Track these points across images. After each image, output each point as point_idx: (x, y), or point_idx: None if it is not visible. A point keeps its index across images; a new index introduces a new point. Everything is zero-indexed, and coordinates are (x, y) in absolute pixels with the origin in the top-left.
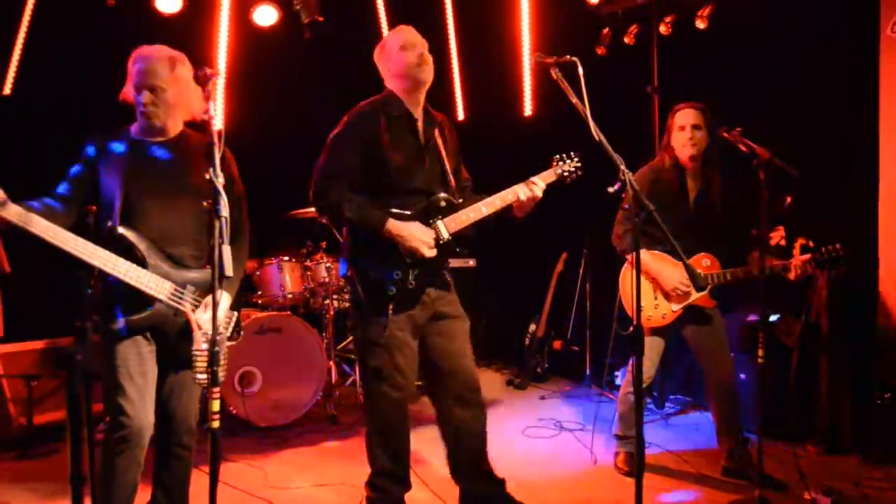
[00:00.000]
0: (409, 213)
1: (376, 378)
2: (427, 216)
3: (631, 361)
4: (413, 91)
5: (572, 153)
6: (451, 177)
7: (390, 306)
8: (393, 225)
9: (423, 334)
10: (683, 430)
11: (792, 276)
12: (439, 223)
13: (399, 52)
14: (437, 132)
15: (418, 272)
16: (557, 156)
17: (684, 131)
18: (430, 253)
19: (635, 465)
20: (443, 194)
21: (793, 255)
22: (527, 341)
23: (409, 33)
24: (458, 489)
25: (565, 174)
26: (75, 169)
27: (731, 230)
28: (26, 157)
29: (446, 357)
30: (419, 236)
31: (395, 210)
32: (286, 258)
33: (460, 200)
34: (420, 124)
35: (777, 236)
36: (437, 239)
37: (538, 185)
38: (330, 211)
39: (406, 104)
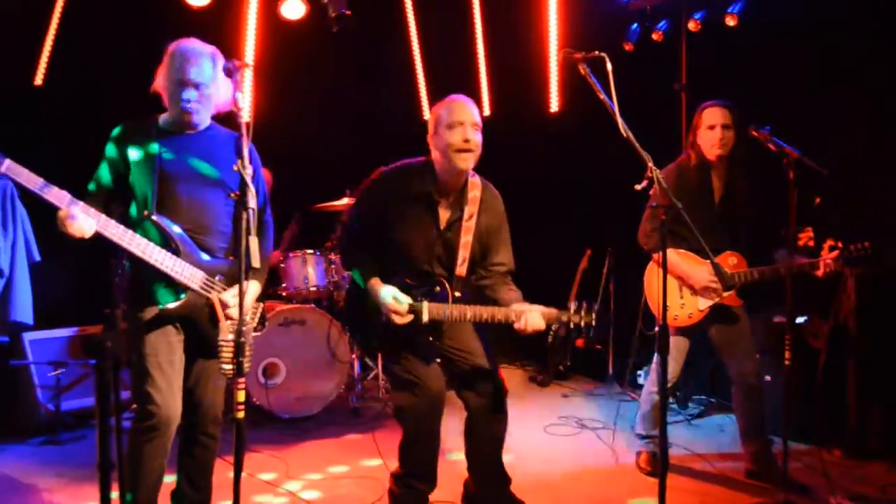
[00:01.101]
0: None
1: (401, 384)
2: (418, 292)
3: (655, 361)
4: (449, 174)
5: (594, 307)
6: (462, 268)
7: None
8: (373, 287)
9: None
10: (707, 431)
11: (820, 273)
12: (423, 305)
13: (445, 129)
14: (468, 215)
15: (392, 332)
16: (575, 304)
17: (714, 130)
18: (401, 321)
19: (657, 465)
20: (442, 282)
21: (821, 256)
22: (550, 339)
23: (461, 110)
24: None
25: (570, 324)
26: (106, 159)
27: (757, 228)
28: (57, 147)
29: (452, 353)
30: (391, 305)
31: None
32: (310, 251)
33: (457, 294)
34: (444, 207)
35: (805, 237)
36: (417, 316)
37: (534, 324)
38: (342, 260)
39: (438, 182)
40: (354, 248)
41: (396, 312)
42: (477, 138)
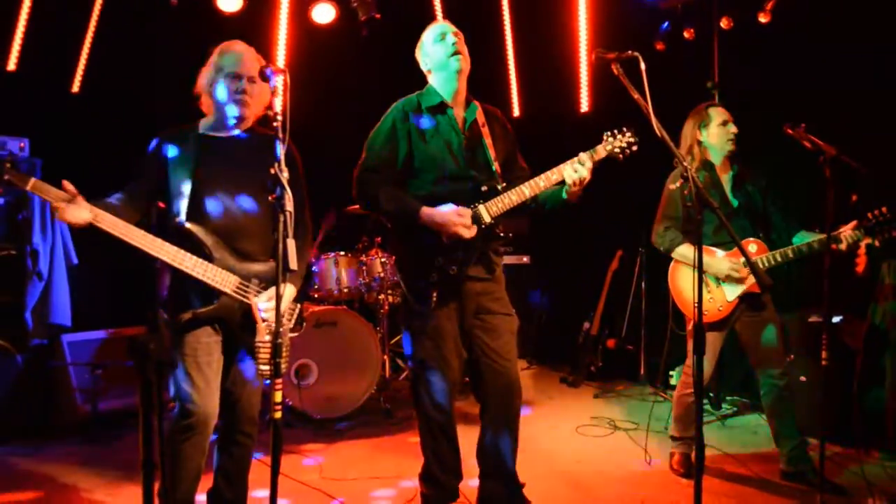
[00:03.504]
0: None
1: (421, 369)
2: (468, 201)
3: (687, 361)
4: (450, 80)
5: (624, 128)
6: (496, 164)
7: (434, 295)
8: (427, 210)
9: (468, 327)
10: (741, 432)
11: (843, 246)
12: (480, 207)
13: (433, 45)
14: (481, 122)
15: (460, 257)
16: (608, 132)
17: (728, 126)
18: (467, 233)
19: (690, 466)
20: (484, 180)
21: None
22: (581, 339)
23: (442, 26)
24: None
25: (616, 150)
26: (144, 164)
27: (770, 216)
28: (94, 153)
29: (486, 353)
30: (454, 218)
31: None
32: (342, 253)
33: (503, 185)
34: (458, 112)
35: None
36: (479, 223)
37: (585, 164)
38: (368, 202)
39: (443, 95)
40: (388, 187)
41: (463, 224)
42: (461, 43)
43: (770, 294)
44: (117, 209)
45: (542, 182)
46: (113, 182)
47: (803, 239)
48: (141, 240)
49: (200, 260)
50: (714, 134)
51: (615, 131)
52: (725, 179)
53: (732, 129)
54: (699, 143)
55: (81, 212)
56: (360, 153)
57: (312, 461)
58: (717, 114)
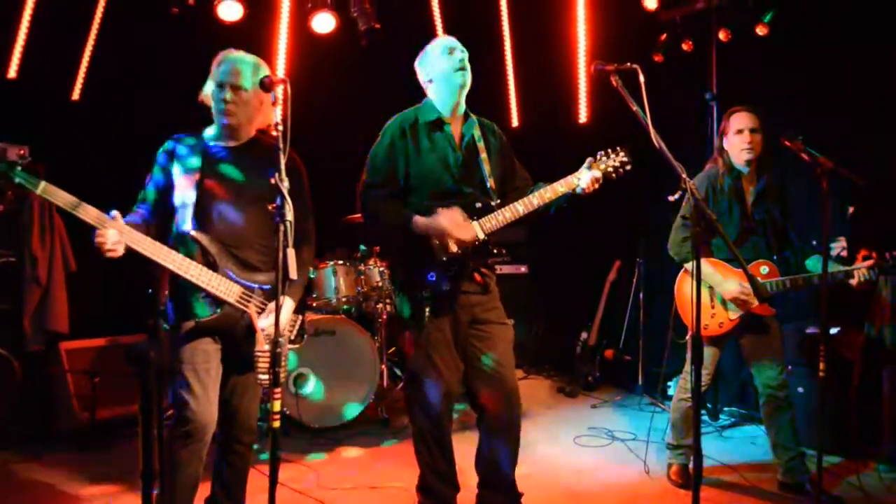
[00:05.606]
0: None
1: (416, 380)
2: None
3: (685, 371)
4: (450, 94)
5: (618, 148)
6: (490, 180)
7: (426, 309)
8: (420, 219)
9: (463, 338)
10: (738, 443)
11: (855, 282)
12: (474, 223)
13: (441, 57)
14: (478, 136)
15: (453, 273)
16: (601, 152)
17: (742, 134)
18: (461, 234)
19: (689, 477)
20: (479, 196)
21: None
22: (578, 350)
23: (452, 40)
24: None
25: (610, 170)
26: (154, 173)
27: (789, 235)
28: (94, 161)
29: (482, 362)
30: (445, 223)
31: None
32: (340, 262)
33: (497, 202)
34: (455, 128)
35: (839, 247)
36: (473, 239)
37: (579, 184)
38: (369, 220)
39: (440, 109)
40: (387, 203)
41: (455, 223)
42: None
43: (774, 310)
44: (135, 223)
45: (535, 200)
46: (113, 189)
47: (815, 265)
48: (149, 247)
49: (205, 269)
50: (730, 142)
51: (609, 150)
52: (751, 192)
53: (747, 138)
54: (722, 150)
55: (120, 242)
56: (361, 165)
57: (310, 470)
58: (735, 121)
